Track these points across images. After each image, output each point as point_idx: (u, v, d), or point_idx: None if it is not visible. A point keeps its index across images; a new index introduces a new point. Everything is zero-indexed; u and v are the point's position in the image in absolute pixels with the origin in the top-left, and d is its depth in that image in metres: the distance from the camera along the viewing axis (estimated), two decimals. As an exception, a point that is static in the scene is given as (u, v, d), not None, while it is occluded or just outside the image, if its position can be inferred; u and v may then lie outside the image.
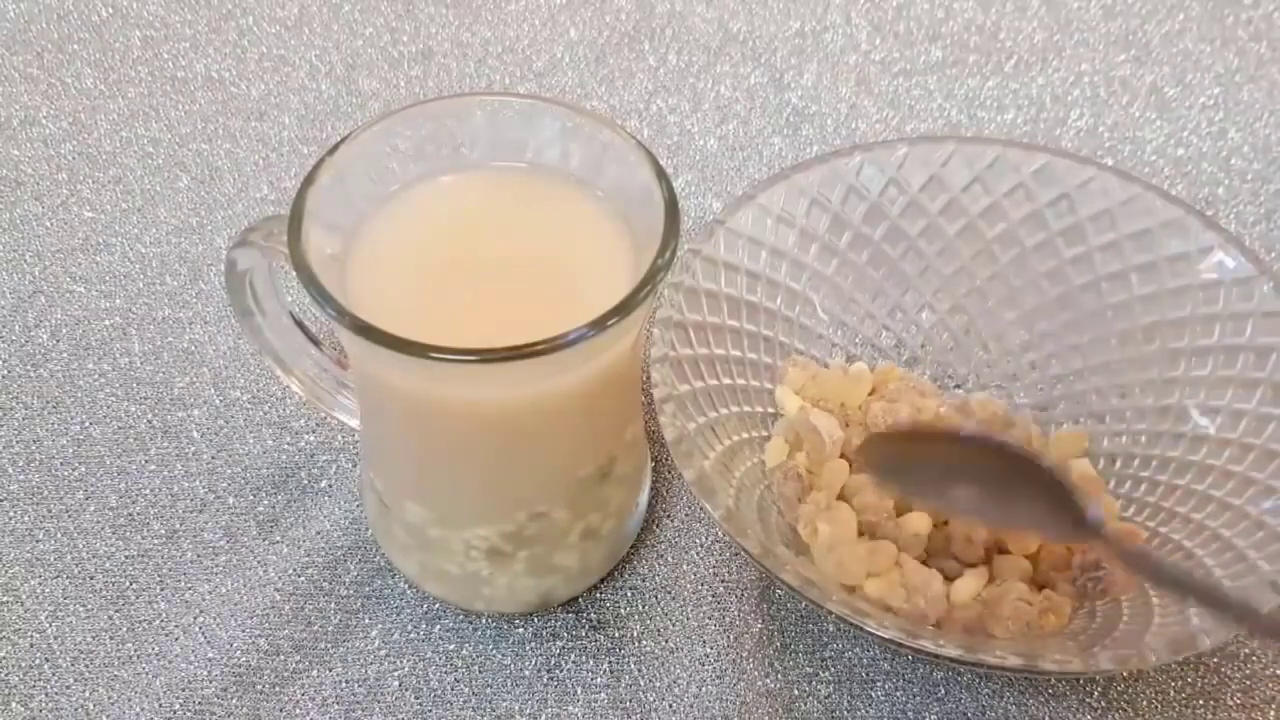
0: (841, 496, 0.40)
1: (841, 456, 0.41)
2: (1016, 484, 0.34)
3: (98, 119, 0.58)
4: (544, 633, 0.40)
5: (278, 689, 0.38)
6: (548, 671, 0.39)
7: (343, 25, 0.64)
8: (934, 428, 0.37)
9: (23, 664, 0.39)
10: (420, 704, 0.38)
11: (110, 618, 0.40)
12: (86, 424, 0.45)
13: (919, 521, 0.38)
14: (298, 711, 0.38)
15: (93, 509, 0.43)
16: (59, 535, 0.42)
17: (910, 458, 0.36)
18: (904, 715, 0.38)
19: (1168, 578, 0.31)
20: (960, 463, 0.35)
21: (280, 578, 0.40)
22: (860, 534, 0.38)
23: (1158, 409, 0.41)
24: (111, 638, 0.39)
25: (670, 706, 0.38)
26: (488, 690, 0.38)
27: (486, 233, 0.36)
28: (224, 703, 0.38)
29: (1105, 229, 0.43)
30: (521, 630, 0.40)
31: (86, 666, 0.39)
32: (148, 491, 0.43)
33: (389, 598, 0.40)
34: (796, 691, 0.39)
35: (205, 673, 0.38)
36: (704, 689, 0.38)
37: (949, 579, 0.38)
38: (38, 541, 0.42)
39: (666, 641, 0.40)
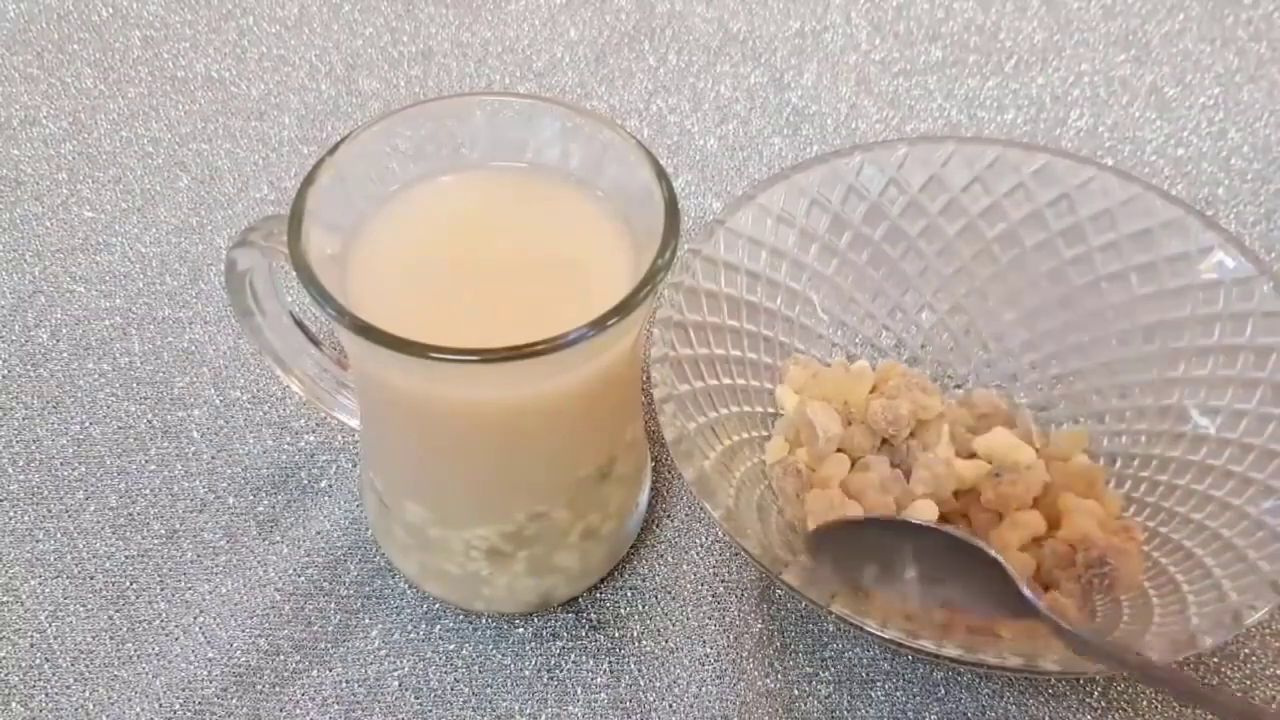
0: (842, 490, 0.40)
1: (840, 451, 0.41)
2: (962, 568, 0.35)
3: (98, 119, 0.58)
4: (544, 633, 0.40)
5: (278, 689, 0.38)
6: (548, 671, 0.39)
7: (343, 25, 0.64)
8: (882, 517, 0.38)
9: (23, 664, 0.39)
10: (420, 704, 0.38)
11: (110, 618, 0.40)
12: (86, 424, 0.45)
13: (926, 512, 0.38)
14: (298, 711, 0.38)
15: (93, 509, 0.43)
16: (59, 535, 0.42)
17: (859, 546, 0.37)
18: (904, 715, 0.38)
19: (1107, 655, 0.32)
20: (908, 549, 0.36)
21: (280, 578, 0.40)
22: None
23: (1158, 409, 0.41)
24: (111, 638, 0.39)
25: (670, 706, 0.38)
26: (488, 690, 0.38)
27: (486, 233, 0.36)
28: (224, 703, 0.38)
29: (1105, 229, 0.43)
30: (521, 630, 0.40)
31: (86, 666, 0.39)
32: (148, 491, 0.43)
33: (389, 598, 0.40)
34: (796, 691, 0.39)
35: (205, 673, 0.38)
36: (704, 689, 0.38)
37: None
38: (38, 541, 0.42)
39: (666, 641, 0.39)
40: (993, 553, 0.34)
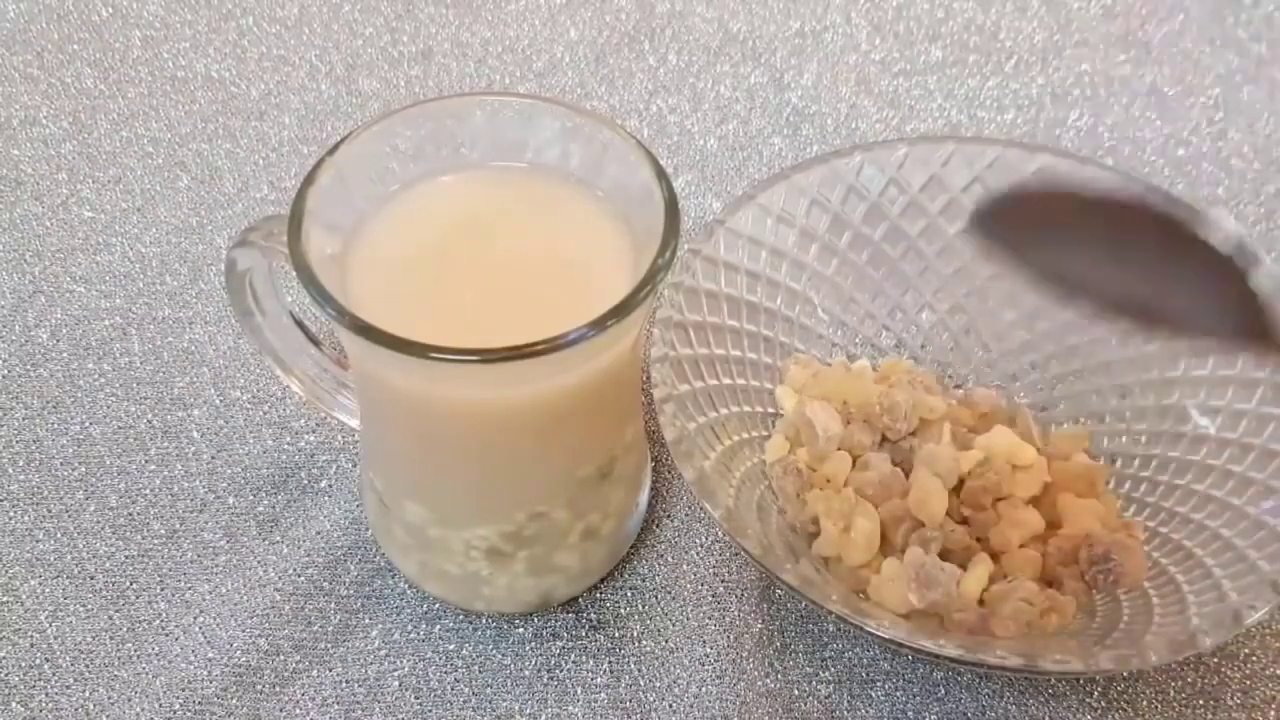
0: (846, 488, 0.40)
1: (839, 449, 0.41)
2: (1177, 267, 0.27)
3: (98, 119, 0.58)
4: (544, 633, 0.40)
5: (278, 689, 0.38)
6: (548, 671, 0.39)
7: (343, 25, 0.64)
8: (1068, 187, 0.29)
9: (23, 664, 0.39)
10: (420, 704, 0.38)
11: (110, 618, 0.40)
12: (86, 424, 0.45)
13: (935, 504, 0.38)
14: (298, 711, 0.38)
15: (93, 509, 0.43)
16: (59, 535, 0.42)
17: (1040, 224, 0.29)
18: (904, 715, 0.38)
19: None
20: (1106, 235, 0.27)
21: (280, 578, 0.40)
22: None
23: (1158, 409, 0.41)
24: (111, 638, 0.39)
25: (670, 706, 0.38)
26: (488, 690, 0.38)
27: (486, 233, 0.36)
28: (224, 703, 0.38)
29: (1105, 229, 0.43)
30: (521, 630, 0.40)
31: (86, 666, 0.39)
32: (148, 491, 0.43)
33: (389, 598, 0.40)
34: (796, 691, 0.39)
35: (205, 673, 0.38)
36: (704, 689, 0.38)
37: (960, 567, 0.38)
38: (38, 541, 0.42)
39: (666, 641, 0.40)
40: (1226, 249, 0.25)
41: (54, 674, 0.38)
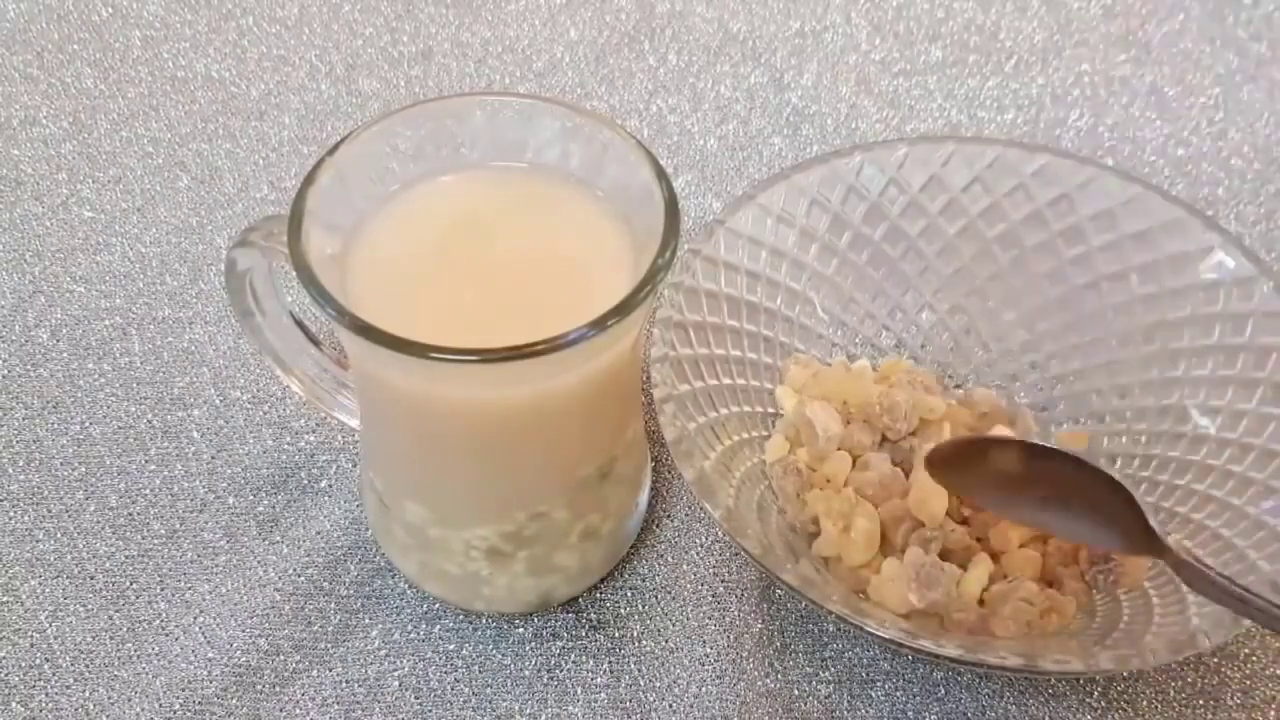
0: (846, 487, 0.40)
1: (839, 449, 0.41)
2: (1084, 496, 0.35)
3: (98, 119, 0.58)
4: (544, 633, 0.40)
5: (278, 689, 0.38)
6: (548, 671, 0.39)
7: (343, 25, 0.64)
8: (1002, 437, 0.39)
9: (23, 664, 0.39)
10: (420, 704, 0.38)
11: (110, 618, 0.40)
12: (86, 424, 0.45)
13: (935, 504, 0.38)
14: (298, 711, 0.38)
15: (93, 509, 0.43)
16: (59, 535, 0.42)
17: (979, 466, 0.37)
18: (904, 715, 0.38)
19: (1233, 597, 0.32)
20: (1030, 473, 0.36)
21: (280, 578, 0.40)
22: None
23: (1158, 409, 0.41)
24: (111, 638, 0.39)
25: (670, 706, 0.38)
26: (488, 690, 0.38)
27: (486, 233, 0.36)
28: (224, 703, 0.38)
29: (1105, 229, 0.43)
30: (521, 630, 0.40)
31: (86, 666, 0.39)
32: (148, 491, 0.43)
33: (389, 598, 0.40)
34: (796, 691, 0.39)
35: (205, 673, 0.38)
36: (704, 689, 0.38)
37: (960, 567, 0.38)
38: (38, 541, 0.42)
39: (666, 641, 0.39)
40: (1118, 477, 0.34)
41: (54, 674, 0.38)
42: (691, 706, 0.38)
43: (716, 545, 0.42)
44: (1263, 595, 0.31)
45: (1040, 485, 0.36)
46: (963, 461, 0.37)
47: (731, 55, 0.63)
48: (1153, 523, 0.34)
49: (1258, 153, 0.58)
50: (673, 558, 0.42)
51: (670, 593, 0.41)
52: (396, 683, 0.38)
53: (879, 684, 0.39)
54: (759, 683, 0.38)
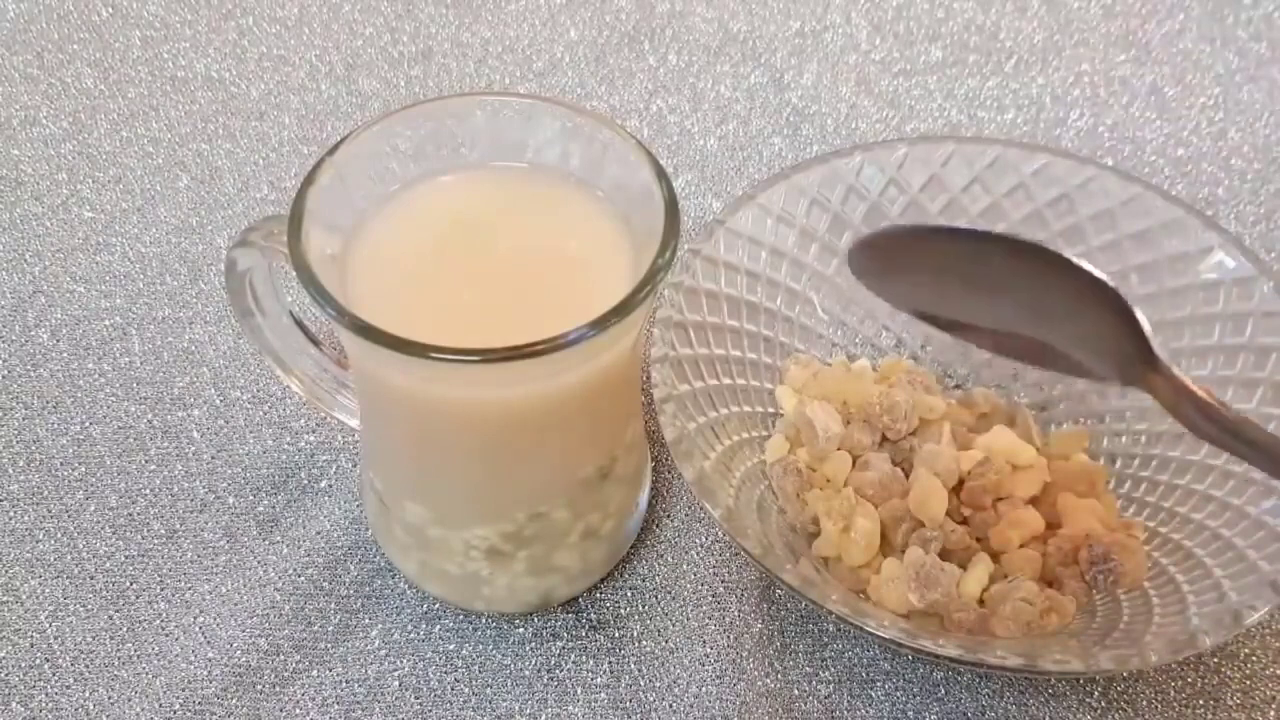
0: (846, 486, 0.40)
1: (840, 449, 0.41)
2: (1060, 304, 0.26)
3: (98, 119, 0.58)
4: (544, 633, 0.40)
5: (278, 689, 0.38)
6: (548, 671, 0.39)
7: (343, 25, 0.64)
8: (952, 227, 0.30)
9: (23, 664, 0.39)
10: (420, 704, 0.38)
11: (110, 618, 0.40)
12: (86, 424, 0.45)
13: (935, 504, 0.38)
14: (298, 711, 0.38)
15: (93, 509, 0.43)
16: (59, 535, 0.42)
17: (925, 263, 0.28)
18: (904, 715, 0.38)
19: (1226, 428, 0.25)
20: (992, 272, 0.27)
21: (280, 578, 0.40)
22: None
23: (1158, 409, 0.41)
24: (111, 638, 0.39)
25: (670, 706, 0.38)
26: (488, 690, 0.38)
27: (486, 233, 0.36)
28: (224, 703, 0.38)
29: (1105, 229, 0.43)
30: (521, 630, 0.40)
31: (86, 666, 0.39)
32: (148, 491, 0.43)
33: (389, 598, 0.40)
34: (796, 691, 0.39)
35: (205, 673, 0.38)
36: (704, 689, 0.38)
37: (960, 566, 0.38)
38: (38, 541, 0.42)
39: (666, 641, 0.39)
40: (1111, 283, 0.25)
41: (54, 674, 0.38)
42: (691, 706, 0.38)
43: (716, 545, 0.42)
44: (1262, 430, 0.26)
45: (1008, 291, 0.27)
46: (897, 258, 0.28)
47: (731, 55, 0.63)
48: (1153, 343, 0.26)
49: (1258, 153, 0.58)
50: (673, 558, 0.42)
51: (670, 593, 0.41)
52: (396, 683, 0.38)
53: (879, 684, 0.39)
54: (759, 683, 0.38)
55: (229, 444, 0.45)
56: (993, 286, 0.27)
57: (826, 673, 0.39)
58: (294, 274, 0.31)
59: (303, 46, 0.62)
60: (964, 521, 0.39)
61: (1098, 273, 0.26)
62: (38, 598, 0.40)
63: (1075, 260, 0.26)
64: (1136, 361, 0.26)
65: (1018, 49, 0.64)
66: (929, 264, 0.28)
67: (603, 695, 0.38)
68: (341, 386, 0.41)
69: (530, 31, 0.64)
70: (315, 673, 0.39)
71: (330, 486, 0.43)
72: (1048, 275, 0.26)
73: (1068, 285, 0.26)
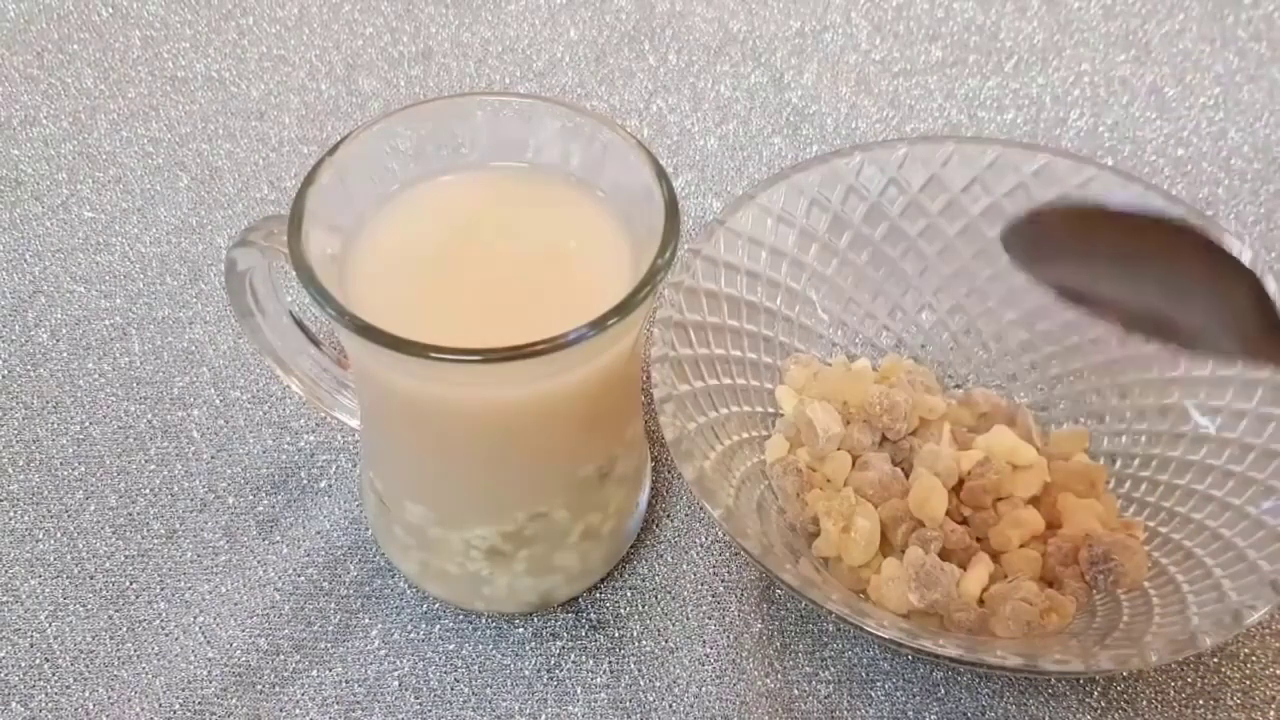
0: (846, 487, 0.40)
1: (840, 449, 0.41)
2: (1194, 280, 0.27)
3: (98, 119, 0.58)
4: (544, 633, 0.40)
5: (278, 689, 0.38)
6: (548, 671, 0.39)
7: (343, 25, 0.64)
8: (1097, 206, 0.30)
9: (23, 664, 0.39)
10: (420, 704, 0.38)
11: (110, 618, 0.40)
12: (86, 424, 0.45)
13: (935, 504, 0.38)
14: (298, 711, 0.38)
15: (93, 509, 0.43)
16: (59, 535, 0.42)
17: (1070, 242, 0.29)
18: (904, 715, 0.38)
19: None
20: (1128, 252, 0.28)
21: (280, 578, 0.40)
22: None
23: (1158, 409, 0.41)
24: (111, 638, 0.39)
25: (670, 706, 0.38)
26: (488, 690, 0.38)
27: (486, 233, 0.36)
28: (224, 703, 0.38)
29: (1105, 229, 0.43)
30: (521, 630, 0.40)
31: (86, 666, 0.39)
32: (148, 491, 0.43)
33: (389, 598, 0.40)
34: (796, 691, 0.39)
35: (205, 673, 0.38)
36: (704, 689, 0.38)
37: (960, 566, 0.38)
38: (38, 541, 0.42)
39: (666, 641, 0.39)
40: (1247, 260, 0.25)
41: (54, 674, 0.38)
42: (691, 706, 0.38)
43: (716, 545, 0.42)
44: None
45: (1147, 268, 0.27)
46: (1046, 238, 0.29)
47: (731, 55, 0.63)
48: None
49: (1258, 153, 0.58)
50: (673, 558, 0.42)
51: (670, 593, 0.41)
52: (396, 683, 0.38)
53: (879, 684, 0.39)
54: (759, 683, 0.38)
55: (229, 444, 0.45)
56: (1133, 263, 0.28)
57: (826, 673, 0.39)
58: (294, 274, 0.31)
59: (303, 46, 0.62)
60: (964, 521, 0.39)
61: (1233, 247, 0.26)
62: (38, 598, 0.40)
63: (1210, 236, 0.26)
64: (1267, 337, 0.26)
65: (1018, 49, 0.64)
66: (1076, 244, 0.29)
67: (603, 695, 0.38)
68: (341, 386, 0.41)
69: (530, 31, 0.64)
70: (315, 673, 0.39)
71: (330, 486, 0.43)
72: (1184, 252, 0.27)
73: (1202, 261, 0.26)
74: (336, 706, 0.38)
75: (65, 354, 0.47)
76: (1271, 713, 0.38)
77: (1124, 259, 0.28)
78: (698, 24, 0.65)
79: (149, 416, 0.45)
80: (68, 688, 0.38)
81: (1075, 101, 0.61)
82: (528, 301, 0.33)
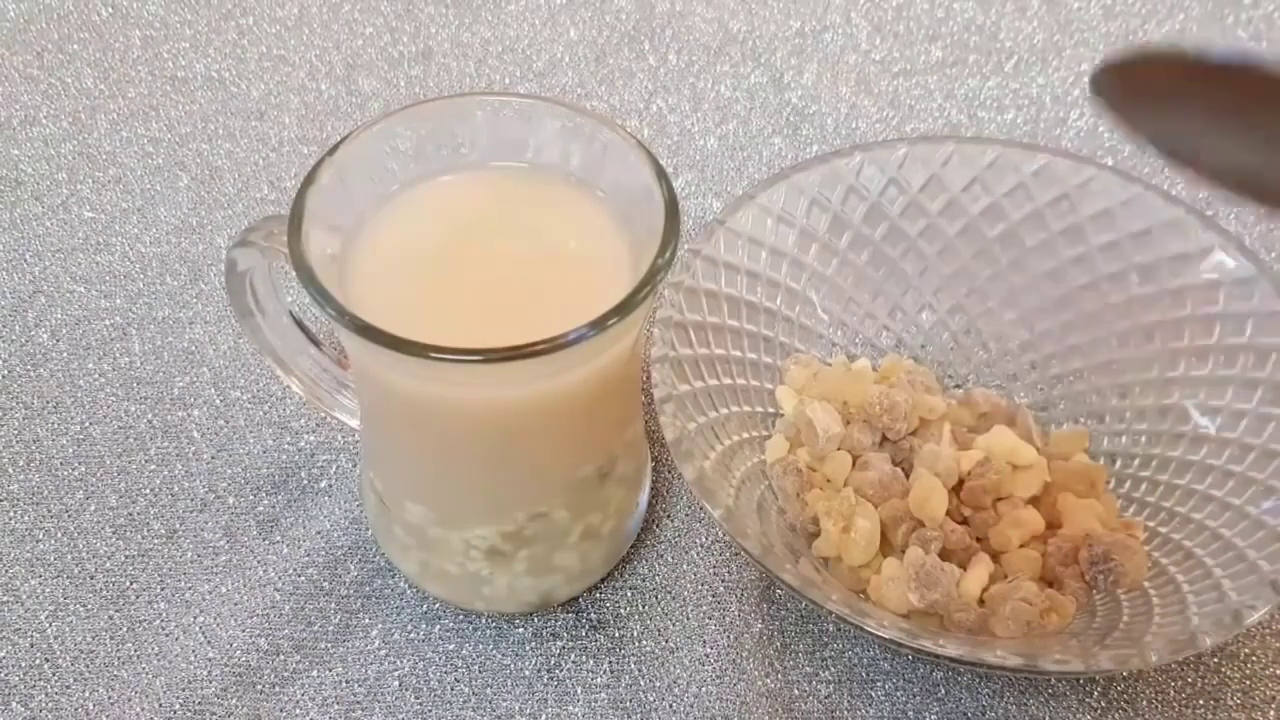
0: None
1: (840, 449, 0.41)
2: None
3: (98, 119, 0.58)
4: (544, 633, 0.40)
5: (278, 689, 0.38)
6: (548, 671, 0.39)
7: (343, 25, 0.64)
8: (1198, 56, 0.26)
9: (23, 664, 0.39)
10: (420, 704, 0.38)
11: (110, 618, 0.40)
12: (86, 424, 0.45)
13: (935, 504, 0.38)
14: (298, 711, 0.38)
15: (93, 509, 0.43)
16: (59, 535, 0.42)
17: (1166, 93, 0.27)
18: (904, 715, 0.38)
19: None
20: (1228, 106, 0.26)
21: (280, 578, 0.40)
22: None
23: (1158, 409, 0.41)
24: (111, 638, 0.39)
25: (670, 706, 0.38)
26: (488, 690, 0.38)
27: (486, 233, 0.36)
28: (224, 703, 0.38)
29: (1105, 229, 0.43)
30: (521, 630, 0.40)
31: (86, 666, 0.39)
32: (148, 491, 0.43)
33: (389, 598, 0.40)
34: (796, 691, 0.39)
35: (205, 673, 0.38)
36: (704, 689, 0.38)
37: (960, 566, 0.38)
38: (38, 541, 0.42)
39: (666, 641, 0.39)
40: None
41: (54, 674, 0.38)
42: (691, 706, 0.38)
43: (716, 545, 0.42)
44: None
45: (1234, 120, 0.25)
46: (1141, 86, 0.27)
47: (731, 55, 0.63)
48: None
49: (1258, 153, 0.58)
50: (673, 558, 0.42)
51: (670, 593, 0.41)
52: (396, 683, 0.38)
53: (879, 684, 0.39)
54: (759, 683, 0.38)
55: (229, 444, 0.45)
56: (1233, 117, 0.26)
57: (826, 673, 0.39)
58: (294, 274, 0.31)
59: (303, 46, 0.62)
60: (964, 521, 0.39)
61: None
62: (38, 598, 0.40)
63: None
64: None
65: (1018, 49, 0.64)
66: (1172, 94, 0.27)
67: (603, 695, 0.38)
68: (341, 386, 0.41)
69: (530, 31, 0.64)
70: (315, 673, 0.39)
71: (330, 486, 0.43)
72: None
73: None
74: (336, 706, 0.38)
75: (65, 354, 0.47)
76: (1271, 713, 0.38)
77: (1224, 113, 0.26)
78: (698, 24, 0.65)
79: (149, 416, 0.45)
80: (68, 688, 0.38)
81: (1075, 101, 0.61)
82: (528, 301, 0.33)
